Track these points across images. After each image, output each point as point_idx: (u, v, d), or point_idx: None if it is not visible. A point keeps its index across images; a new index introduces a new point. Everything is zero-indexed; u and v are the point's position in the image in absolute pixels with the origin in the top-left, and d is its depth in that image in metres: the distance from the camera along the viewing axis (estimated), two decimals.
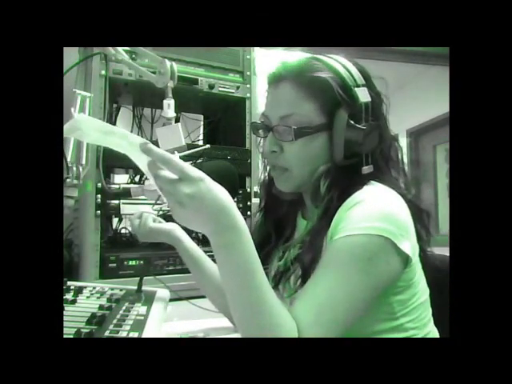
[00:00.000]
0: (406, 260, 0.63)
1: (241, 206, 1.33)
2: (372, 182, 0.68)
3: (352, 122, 0.67)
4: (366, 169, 0.69)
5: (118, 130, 0.58)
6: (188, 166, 0.52)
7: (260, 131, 0.77)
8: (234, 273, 0.54)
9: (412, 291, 0.67)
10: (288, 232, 0.81)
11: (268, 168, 0.81)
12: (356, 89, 0.69)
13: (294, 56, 0.75)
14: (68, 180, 0.85)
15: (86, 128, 0.58)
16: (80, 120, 0.56)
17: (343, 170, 0.70)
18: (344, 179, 0.69)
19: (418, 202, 0.73)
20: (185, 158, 0.69)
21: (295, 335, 0.54)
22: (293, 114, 0.70)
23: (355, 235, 0.60)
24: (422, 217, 0.72)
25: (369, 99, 0.69)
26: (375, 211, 0.62)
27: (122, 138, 0.57)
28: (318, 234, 0.67)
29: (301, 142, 0.70)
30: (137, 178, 1.41)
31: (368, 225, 0.60)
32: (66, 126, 0.54)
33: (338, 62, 0.71)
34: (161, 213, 0.90)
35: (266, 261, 0.78)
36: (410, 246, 0.62)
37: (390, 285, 0.63)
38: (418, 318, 0.68)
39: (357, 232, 0.60)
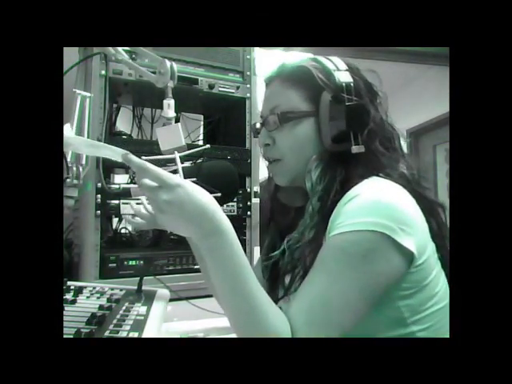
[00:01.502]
0: (410, 258, 0.59)
1: (241, 205, 1.33)
2: (373, 176, 0.66)
3: (334, 102, 0.68)
4: (356, 148, 0.67)
5: (100, 143, 0.63)
6: (165, 174, 0.53)
7: (259, 134, 0.79)
8: (222, 276, 0.55)
9: (424, 296, 0.62)
10: None
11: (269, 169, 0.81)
12: (337, 72, 0.70)
13: (293, 57, 0.77)
14: (68, 180, 0.85)
15: (76, 143, 0.62)
16: (66, 136, 0.59)
17: (336, 157, 0.69)
18: (337, 167, 0.68)
19: (426, 192, 0.70)
20: (185, 158, 0.69)
21: (288, 336, 0.54)
22: (279, 104, 0.73)
23: (348, 232, 0.58)
24: (433, 209, 0.69)
25: (350, 80, 0.69)
26: (369, 205, 0.59)
27: (107, 149, 0.61)
28: (317, 229, 0.66)
29: (287, 128, 0.71)
30: None
31: (361, 220, 0.58)
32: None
33: (324, 56, 0.74)
34: None
35: (275, 265, 0.77)
36: (413, 241, 0.59)
37: (392, 285, 0.59)
38: (434, 326, 0.63)
39: (349, 229, 0.58)
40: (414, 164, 0.74)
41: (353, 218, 0.59)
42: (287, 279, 0.71)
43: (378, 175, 0.66)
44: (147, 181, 0.54)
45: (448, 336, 0.64)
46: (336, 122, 0.68)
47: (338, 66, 0.71)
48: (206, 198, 0.54)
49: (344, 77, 0.70)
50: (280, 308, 0.58)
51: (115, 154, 0.59)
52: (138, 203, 0.93)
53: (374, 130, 0.69)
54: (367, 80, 0.74)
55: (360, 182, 0.64)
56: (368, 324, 0.60)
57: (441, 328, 0.64)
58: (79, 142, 0.64)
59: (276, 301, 0.71)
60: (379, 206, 0.59)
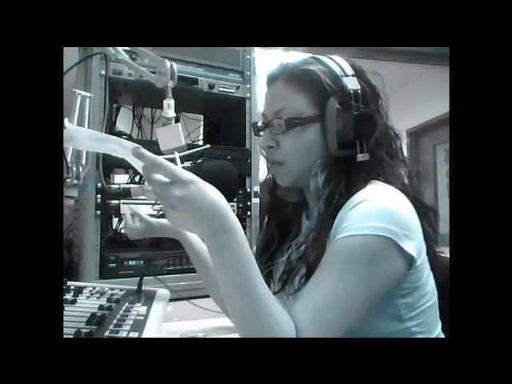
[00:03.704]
0: (410, 261, 0.61)
1: (241, 205, 1.33)
2: (375, 181, 0.67)
3: (341, 109, 0.68)
4: (361, 157, 0.68)
5: (109, 136, 0.60)
6: (179, 169, 0.53)
7: (260, 132, 0.78)
8: (229, 274, 0.54)
9: (419, 294, 0.65)
10: (293, 234, 0.81)
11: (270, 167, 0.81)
12: (345, 78, 0.69)
13: (293, 56, 0.76)
14: (68, 180, 0.85)
15: (79, 137, 0.60)
16: (71, 130, 0.57)
17: (340, 162, 0.69)
18: (341, 172, 0.68)
19: (422, 198, 0.72)
20: (185, 158, 0.69)
21: (293, 335, 0.54)
22: (285, 107, 0.71)
23: (356, 235, 0.59)
24: (427, 214, 0.71)
25: (358, 87, 0.69)
26: (377, 211, 0.61)
27: (115, 143, 0.58)
28: (321, 231, 0.67)
29: (293, 133, 0.71)
30: (137, 178, 1.41)
31: (369, 225, 0.59)
32: None
33: (328, 57, 0.73)
34: (161, 213, 0.90)
35: (270, 261, 0.78)
36: (414, 246, 0.61)
37: (393, 286, 0.62)
38: (425, 321, 0.67)
39: (357, 232, 0.59)
40: (413, 168, 0.76)
41: (360, 222, 0.60)
42: (284, 276, 0.72)
43: (378, 179, 0.68)
44: (159, 176, 0.53)
45: (435, 329, 0.69)
46: (342, 130, 0.68)
47: (345, 71, 0.70)
48: (217, 196, 0.54)
49: (352, 83, 0.69)
50: None
51: (123, 148, 0.58)
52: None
53: (379, 138, 0.70)
54: (371, 83, 0.74)
55: (363, 186, 0.65)
56: (369, 321, 0.61)
57: (430, 323, 0.68)
58: (83, 135, 0.61)
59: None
60: (385, 211, 0.61)
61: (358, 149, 0.68)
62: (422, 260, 0.65)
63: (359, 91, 0.69)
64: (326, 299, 0.58)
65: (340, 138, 0.68)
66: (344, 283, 0.58)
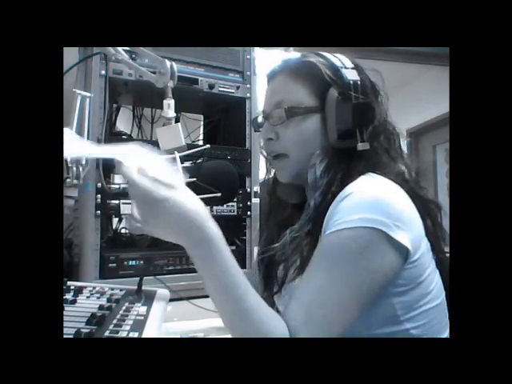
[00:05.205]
0: (405, 254, 0.59)
1: (241, 205, 1.33)
2: (369, 173, 0.66)
3: (341, 99, 0.68)
4: (362, 145, 0.68)
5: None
6: (155, 187, 0.52)
7: (260, 128, 0.79)
8: (215, 284, 0.54)
9: (419, 293, 0.63)
10: None
11: (270, 166, 0.81)
12: (344, 70, 0.71)
13: (293, 55, 0.77)
14: (68, 180, 0.85)
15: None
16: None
17: (339, 153, 0.69)
18: (341, 163, 0.68)
19: (424, 193, 0.71)
20: (185, 158, 0.70)
21: (285, 336, 0.54)
22: (285, 98, 0.72)
23: (344, 229, 0.58)
24: (431, 209, 0.70)
25: (357, 78, 0.70)
26: (365, 202, 0.59)
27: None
28: (316, 223, 0.66)
29: (293, 123, 0.71)
30: None
31: (356, 217, 0.58)
32: None
33: (328, 52, 0.74)
34: None
35: (271, 259, 0.78)
36: (408, 238, 0.59)
37: (388, 281, 0.59)
38: (427, 324, 0.63)
39: (345, 226, 0.58)
40: (413, 165, 0.75)
41: (348, 215, 0.59)
42: (281, 271, 0.72)
43: (374, 172, 0.67)
44: (134, 191, 0.53)
45: (441, 333, 0.66)
46: (342, 120, 0.68)
47: (344, 64, 0.72)
48: (196, 208, 0.53)
49: (351, 74, 0.70)
50: (277, 309, 0.58)
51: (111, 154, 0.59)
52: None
53: (377, 128, 0.70)
54: (371, 79, 0.74)
55: (356, 178, 0.64)
56: (361, 320, 0.59)
57: (434, 326, 0.65)
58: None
59: (272, 295, 0.72)
60: (374, 202, 0.59)
61: (358, 138, 0.68)
62: (422, 255, 0.62)
63: (359, 82, 0.69)
64: (316, 297, 0.57)
65: (340, 128, 0.68)
66: (334, 280, 0.57)
